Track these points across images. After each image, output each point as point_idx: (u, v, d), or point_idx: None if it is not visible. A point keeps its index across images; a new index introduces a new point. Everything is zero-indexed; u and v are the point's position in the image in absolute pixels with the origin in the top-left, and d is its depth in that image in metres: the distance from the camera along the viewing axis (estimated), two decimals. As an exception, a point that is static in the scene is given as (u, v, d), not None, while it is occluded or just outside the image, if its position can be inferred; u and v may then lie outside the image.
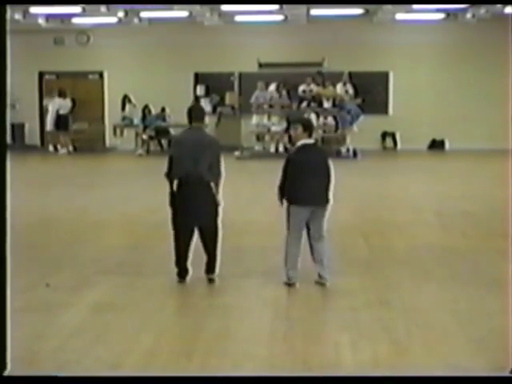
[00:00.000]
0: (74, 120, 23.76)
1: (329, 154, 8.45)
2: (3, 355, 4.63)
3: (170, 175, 8.06)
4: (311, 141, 8.11)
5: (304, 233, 8.04)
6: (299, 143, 7.98)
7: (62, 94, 23.57)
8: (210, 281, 8.15)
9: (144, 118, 22.98)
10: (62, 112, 23.50)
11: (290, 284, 7.94)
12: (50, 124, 23.69)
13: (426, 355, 6.02)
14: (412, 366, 5.80)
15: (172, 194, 8.05)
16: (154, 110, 23.07)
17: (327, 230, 8.10)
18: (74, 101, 23.81)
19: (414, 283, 8.18)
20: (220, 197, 8.06)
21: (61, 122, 23.43)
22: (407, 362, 5.89)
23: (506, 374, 5.29)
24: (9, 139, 24.93)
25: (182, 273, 8.15)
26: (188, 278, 8.15)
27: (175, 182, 8.01)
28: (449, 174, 17.97)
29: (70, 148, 23.54)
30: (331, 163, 8.08)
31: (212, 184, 7.99)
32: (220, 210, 8.08)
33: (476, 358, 5.93)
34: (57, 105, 23.48)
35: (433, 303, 7.46)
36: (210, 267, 8.15)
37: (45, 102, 24.00)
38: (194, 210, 7.94)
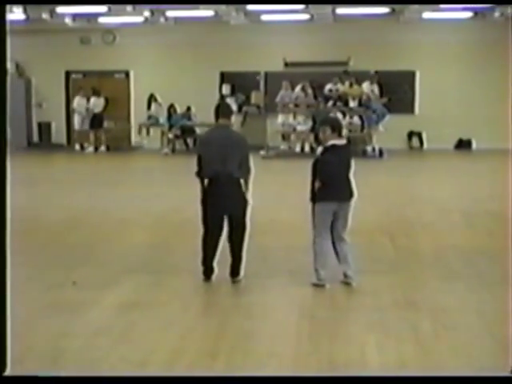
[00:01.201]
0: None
1: (354, 153, 8.33)
2: (3, 355, 4.65)
3: (200, 174, 8.06)
4: (342, 141, 7.99)
5: None
6: (328, 143, 7.89)
7: (95, 93, 23.81)
8: (235, 282, 8.14)
9: (170, 117, 23.03)
10: (96, 110, 23.71)
11: (319, 285, 7.87)
12: (77, 123, 23.87)
13: (452, 356, 5.97)
14: (438, 366, 5.75)
15: (204, 192, 8.05)
16: (180, 109, 23.13)
17: (352, 228, 8.07)
18: (106, 99, 23.98)
19: (441, 283, 8.13)
20: (250, 195, 8.05)
21: (96, 120, 23.62)
22: (433, 362, 5.85)
23: (506, 373, 5.23)
24: (36, 138, 25.14)
25: (208, 272, 8.13)
26: (213, 278, 8.16)
27: (205, 181, 8.00)
28: (476, 174, 17.84)
29: (103, 147, 23.70)
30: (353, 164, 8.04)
31: (242, 181, 7.99)
32: (249, 208, 8.06)
33: (502, 359, 5.86)
34: (91, 103, 23.68)
35: (459, 304, 7.40)
36: (235, 270, 8.12)
37: (75, 102, 24.03)
38: (223, 202, 7.91)
